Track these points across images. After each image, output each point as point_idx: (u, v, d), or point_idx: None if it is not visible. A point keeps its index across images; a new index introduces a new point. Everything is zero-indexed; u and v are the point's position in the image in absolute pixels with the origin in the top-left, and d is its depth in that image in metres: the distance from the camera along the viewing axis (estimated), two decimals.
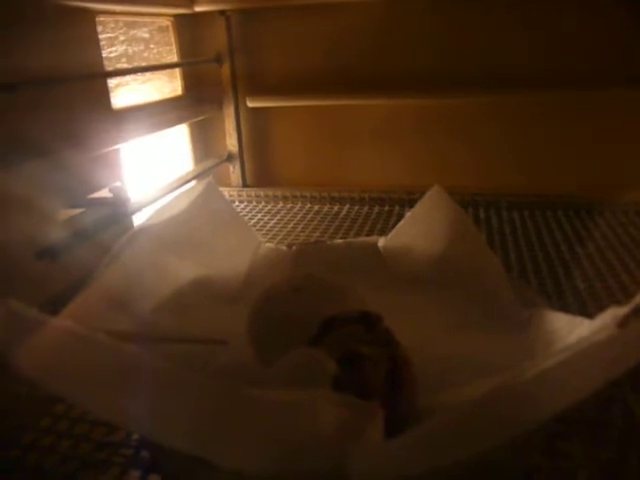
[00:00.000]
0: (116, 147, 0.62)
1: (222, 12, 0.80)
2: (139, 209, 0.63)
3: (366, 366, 0.32)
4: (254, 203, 0.86)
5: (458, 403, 0.30)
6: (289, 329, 0.36)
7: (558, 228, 0.70)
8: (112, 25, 0.67)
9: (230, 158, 0.89)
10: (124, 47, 0.69)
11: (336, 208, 0.82)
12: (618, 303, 0.31)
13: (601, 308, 0.33)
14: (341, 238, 0.68)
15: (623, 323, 0.28)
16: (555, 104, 0.77)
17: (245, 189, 0.89)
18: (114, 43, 0.67)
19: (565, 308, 0.44)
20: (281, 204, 0.85)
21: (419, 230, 0.55)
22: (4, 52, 0.48)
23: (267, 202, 0.86)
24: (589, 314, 0.37)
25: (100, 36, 0.63)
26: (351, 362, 0.32)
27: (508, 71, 0.76)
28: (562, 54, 0.74)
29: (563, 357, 0.26)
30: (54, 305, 0.37)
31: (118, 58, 0.68)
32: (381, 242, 0.57)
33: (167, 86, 0.81)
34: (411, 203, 0.65)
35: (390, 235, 0.57)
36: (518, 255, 0.61)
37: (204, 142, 0.90)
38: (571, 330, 0.37)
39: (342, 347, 0.33)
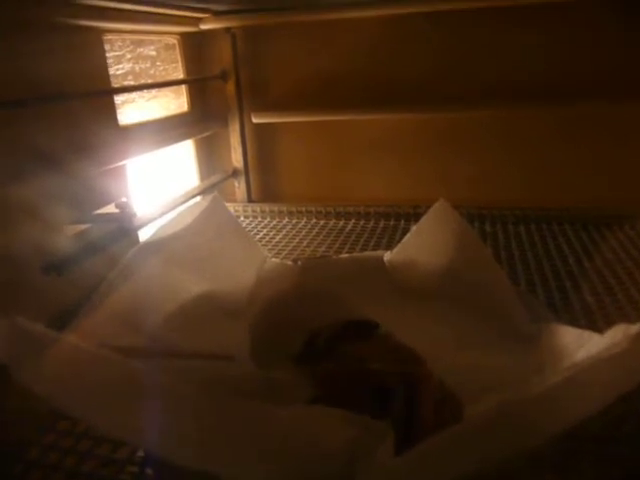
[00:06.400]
0: (122, 163, 0.63)
1: (227, 29, 0.81)
2: (145, 224, 0.63)
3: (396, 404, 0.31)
4: (259, 218, 0.86)
5: (465, 419, 0.30)
6: (288, 338, 0.36)
7: (565, 242, 0.69)
8: (119, 43, 0.68)
9: (235, 174, 0.90)
10: (131, 65, 0.70)
11: (341, 223, 0.82)
12: (627, 317, 0.31)
13: (610, 322, 0.32)
14: (347, 253, 0.68)
15: (634, 340, 0.28)
16: (559, 118, 0.77)
17: (250, 204, 0.89)
18: (121, 61, 0.68)
19: (574, 322, 0.44)
20: (286, 219, 0.85)
21: (425, 244, 0.54)
22: (15, 70, 0.48)
23: (272, 217, 0.86)
24: (598, 328, 0.37)
25: (107, 54, 0.63)
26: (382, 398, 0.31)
27: (513, 85, 0.76)
28: (564, 68, 0.74)
29: (572, 373, 0.26)
30: (61, 319, 0.37)
31: (125, 75, 0.69)
32: (387, 256, 0.57)
33: (173, 102, 0.81)
34: (417, 217, 0.65)
35: (396, 249, 0.56)
36: (525, 269, 0.61)
37: (209, 158, 0.90)
38: (580, 345, 0.36)
39: (357, 364, 0.33)
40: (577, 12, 0.71)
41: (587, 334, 0.37)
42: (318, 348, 0.35)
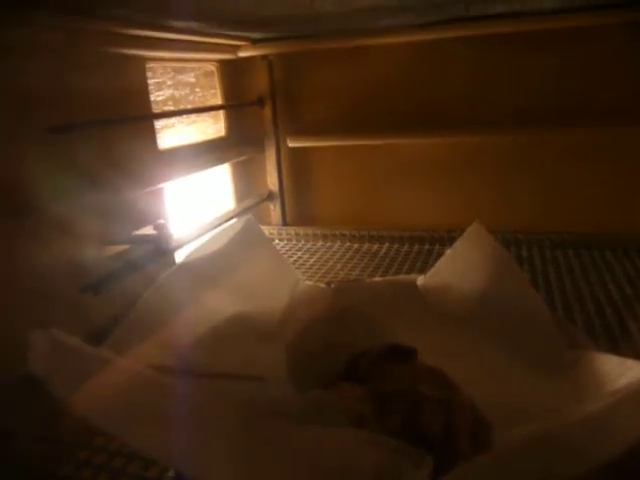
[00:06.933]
0: (161, 186, 0.64)
1: (264, 57, 0.83)
2: (181, 246, 0.64)
3: (425, 409, 0.31)
4: (294, 241, 0.87)
5: (499, 447, 0.29)
6: (325, 361, 0.36)
7: (606, 267, 0.67)
8: (160, 71, 0.70)
9: (271, 197, 0.91)
10: (171, 91, 0.72)
11: (375, 247, 0.82)
12: None
13: None
14: (380, 277, 0.67)
15: None
16: (609, 142, 0.75)
17: (285, 227, 0.90)
18: (162, 87, 0.70)
19: (615, 350, 0.42)
20: (320, 242, 0.85)
21: (459, 268, 0.54)
22: (63, 96, 0.50)
23: (307, 240, 0.86)
24: None
25: (149, 81, 0.66)
26: (412, 403, 0.31)
27: (545, 110, 0.75)
28: (594, 92, 0.73)
29: (616, 400, 0.25)
30: (97, 335, 0.38)
31: (165, 101, 0.71)
32: (420, 280, 0.56)
33: (211, 127, 0.83)
34: (451, 241, 0.64)
35: (429, 273, 0.56)
36: (563, 295, 0.59)
37: (245, 181, 0.92)
38: (622, 373, 0.35)
39: (398, 384, 0.33)
40: (607, 37, 0.70)
41: (629, 362, 0.36)
42: (360, 369, 0.35)
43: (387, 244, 0.82)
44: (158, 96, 0.69)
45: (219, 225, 0.73)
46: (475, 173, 0.81)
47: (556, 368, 0.40)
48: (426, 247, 0.80)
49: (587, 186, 0.77)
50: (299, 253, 0.80)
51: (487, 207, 0.81)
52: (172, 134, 0.72)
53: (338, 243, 0.84)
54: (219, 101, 0.84)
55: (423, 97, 0.80)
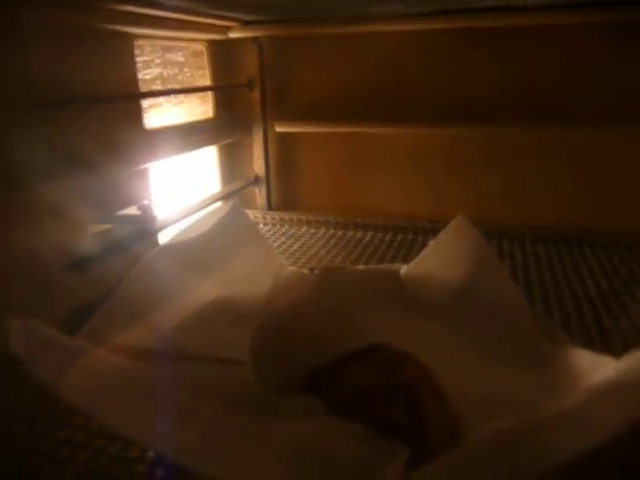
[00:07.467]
0: (147, 166, 0.64)
1: (255, 39, 0.83)
2: (165, 227, 0.64)
3: (381, 399, 0.31)
4: (278, 226, 0.87)
5: (473, 442, 0.30)
6: (289, 352, 0.36)
7: (584, 263, 0.68)
8: (149, 49, 0.69)
9: (257, 181, 0.91)
10: (159, 70, 0.71)
11: (359, 234, 0.82)
12: None
13: (627, 347, 0.32)
14: (363, 264, 0.68)
15: None
16: (584, 139, 0.76)
17: (270, 212, 0.90)
18: (150, 65, 0.69)
19: (590, 345, 0.43)
20: (305, 228, 0.85)
21: (442, 259, 0.54)
22: (51, 73, 0.49)
23: (291, 226, 0.86)
24: (615, 353, 0.36)
25: (137, 59, 0.65)
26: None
27: (541, 104, 0.76)
28: (571, 90, 0.74)
29: (589, 396, 0.26)
30: (81, 315, 0.38)
31: (153, 80, 0.70)
32: (403, 270, 0.56)
33: (198, 108, 0.82)
34: (435, 232, 0.65)
35: (413, 263, 0.56)
36: (542, 289, 0.60)
37: (232, 164, 0.91)
38: (596, 369, 0.36)
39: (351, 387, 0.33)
40: (585, 37, 0.71)
41: (604, 359, 0.37)
42: (319, 383, 0.36)
43: (371, 232, 0.83)
44: (146, 74, 0.68)
45: (204, 207, 0.73)
46: (459, 165, 0.82)
47: (533, 362, 0.41)
48: (410, 236, 0.80)
49: (567, 182, 0.78)
50: (283, 238, 0.80)
51: (470, 199, 0.82)
52: (159, 114, 0.71)
53: (322, 229, 0.84)
54: (208, 82, 0.83)
55: (410, 86, 0.80)
